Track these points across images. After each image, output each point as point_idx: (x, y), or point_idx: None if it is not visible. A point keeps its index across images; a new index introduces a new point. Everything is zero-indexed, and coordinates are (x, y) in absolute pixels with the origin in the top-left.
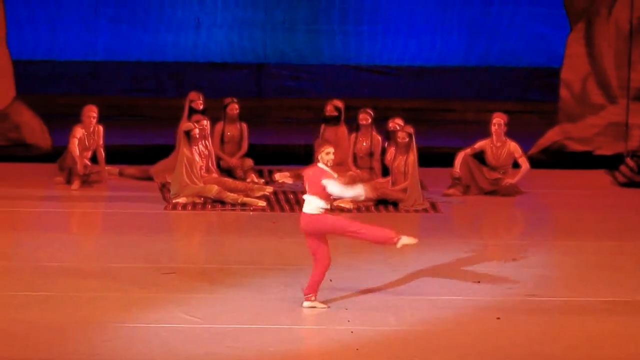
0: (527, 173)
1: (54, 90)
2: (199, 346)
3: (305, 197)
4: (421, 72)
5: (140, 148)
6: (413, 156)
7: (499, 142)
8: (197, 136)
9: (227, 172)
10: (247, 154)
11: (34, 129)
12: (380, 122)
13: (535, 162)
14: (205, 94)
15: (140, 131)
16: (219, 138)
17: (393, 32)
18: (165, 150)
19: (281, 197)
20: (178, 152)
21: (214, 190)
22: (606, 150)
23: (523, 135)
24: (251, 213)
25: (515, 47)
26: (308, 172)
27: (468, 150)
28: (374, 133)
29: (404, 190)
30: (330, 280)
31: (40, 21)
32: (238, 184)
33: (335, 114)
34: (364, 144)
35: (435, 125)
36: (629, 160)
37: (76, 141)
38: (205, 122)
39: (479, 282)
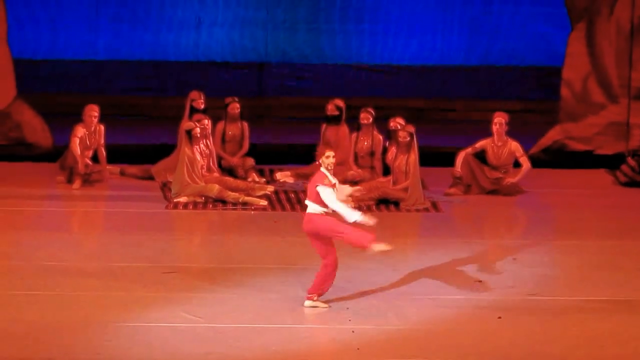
0: (528, 172)
1: (55, 90)
2: (200, 345)
3: (306, 200)
4: (422, 71)
5: (141, 147)
6: (414, 155)
7: (500, 142)
8: (199, 135)
9: (228, 171)
10: (248, 153)
11: (35, 128)
12: (381, 122)
13: (536, 162)
14: (206, 93)
15: (141, 130)
16: (220, 137)
17: (394, 31)
18: (166, 150)
19: (282, 196)
20: (179, 151)
21: (215, 189)
22: (607, 150)
23: (524, 135)
24: (252, 212)
25: (516, 47)
26: (311, 176)
27: (469, 150)
28: (375, 132)
29: (405, 189)
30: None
31: (41, 20)
32: (239, 183)
33: (337, 113)
34: (365, 143)
35: (436, 124)
36: (630, 160)
37: (77, 140)
38: (207, 122)
39: (480, 281)
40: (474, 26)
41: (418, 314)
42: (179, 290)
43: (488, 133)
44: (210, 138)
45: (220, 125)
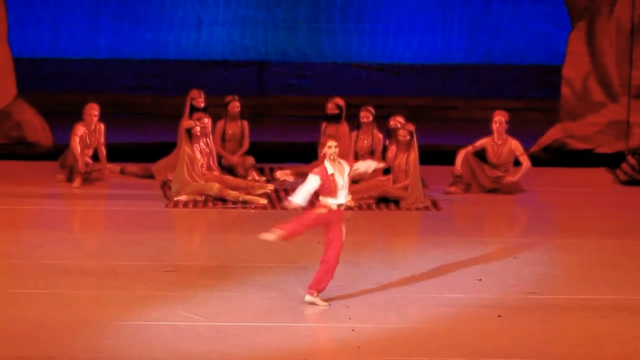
0: (528, 171)
1: (55, 89)
2: (200, 344)
3: None
4: (423, 70)
5: (141, 146)
6: (414, 154)
7: (500, 140)
8: (199, 134)
9: (229, 170)
10: (249, 152)
11: (35, 127)
12: (381, 120)
13: (536, 160)
14: (206, 91)
15: (141, 129)
16: (220, 136)
17: (394, 30)
18: (166, 148)
19: (282, 195)
20: (179, 149)
21: (215, 188)
22: (607, 149)
23: (524, 133)
24: (252, 211)
25: (517, 45)
26: None
27: (469, 148)
28: (375, 131)
29: (405, 188)
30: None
31: (42, 19)
32: (239, 181)
33: (337, 111)
34: (365, 141)
35: (436, 123)
36: (630, 159)
37: (77, 139)
38: (207, 120)
39: (480, 280)
40: (475, 25)
41: (418, 313)
42: (179, 288)
43: (488, 132)
44: (211, 137)
45: (221, 124)
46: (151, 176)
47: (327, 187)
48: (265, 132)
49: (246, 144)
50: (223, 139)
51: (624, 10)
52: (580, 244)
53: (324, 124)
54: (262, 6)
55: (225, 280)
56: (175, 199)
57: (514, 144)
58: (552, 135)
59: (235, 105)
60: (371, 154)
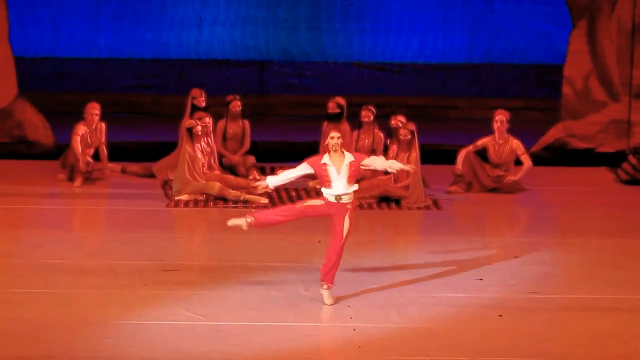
0: (530, 170)
1: (56, 88)
2: (201, 344)
3: None
4: (424, 69)
5: (142, 145)
6: (415, 153)
7: (501, 140)
8: (200, 133)
9: (230, 169)
10: (250, 151)
11: (36, 127)
12: (382, 120)
13: (537, 159)
14: (207, 91)
15: (142, 128)
16: (222, 135)
17: (395, 29)
18: (167, 148)
19: (283, 194)
20: (180, 149)
21: (216, 187)
22: (608, 148)
23: (525, 133)
24: (253, 210)
25: (518, 45)
26: None
27: (470, 148)
28: (376, 130)
29: (406, 187)
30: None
31: (43, 19)
32: (240, 181)
33: (338, 111)
34: (366, 141)
35: (437, 122)
36: (631, 158)
37: (78, 138)
38: (208, 120)
39: (481, 279)
40: (476, 24)
41: (419, 312)
42: (180, 288)
43: (489, 131)
44: (212, 136)
45: (222, 123)
46: (152, 175)
47: (321, 177)
48: (266, 132)
49: (247, 144)
50: (224, 139)
51: (625, 9)
52: (581, 243)
53: (325, 124)
54: (263, 5)
55: (225, 280)
56: (176, 198)
57: (515, 143)
58: (553, 134)
59: (236, 105)
60: (372, 154)
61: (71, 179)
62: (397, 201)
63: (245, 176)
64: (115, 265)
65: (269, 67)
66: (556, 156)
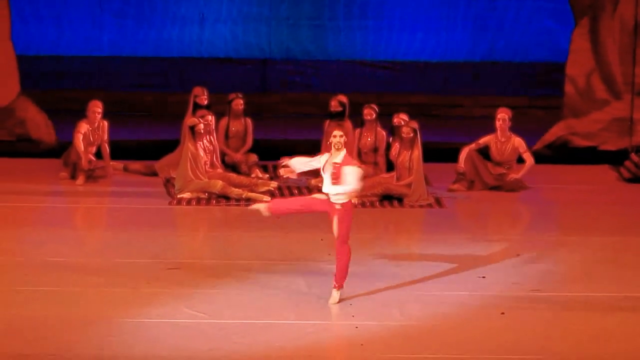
0: (532, 168)
1: (58, 86)
2: (203, 342)
3: None
4: (426, 67)
5: (144, 143)
6: (417, 151)
7: (503, 138)
8: (202, 131)
9: (232, 167)
10: (252, 149)
11: (38, 125)
12: (384, 118)
13: (539, 158)
14: (209, 89)
15: (144, 126)
16: (224, 133)
17: (398, 27)
18: (169, 146)
19: (286, 192)
20: (183, 147)
21: (218, 185)
22: (611, 146)
23: (527, 131)
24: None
25: (520, 43)
26: None
27: (472, 146)
28: (379, 128)
29: (409, 185)
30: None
31: (45, 17)
32: (242, 179)
33: (340, 109)
34: (369, 139)
35: (439, 120)
36: (633, 156)
37: (81, 136)
38: (210, 118)
39: (484, 277)
40: (478, 22)
41: (421, 310)
42: (183, 286)
43: (491, 129)
44: (214, 134)
45: (224, 121)
46: (154, 174)
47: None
48: (269, 130)
49: (249, 142)
50: (226, 137)
51: (628, 8)
52: (583, 241)
53: (327, 122)
54: (265, 3)
55: (228, 278)
56: (178, 196)
57: (518, 142)
58: (556, 132)
59: (238, 103)
60: (374, 152)
61: (73, 177)
62: (400, 199)
63: (248, 174)
64: (118, 263)
65: (271, 65)
66: (558, 154)
